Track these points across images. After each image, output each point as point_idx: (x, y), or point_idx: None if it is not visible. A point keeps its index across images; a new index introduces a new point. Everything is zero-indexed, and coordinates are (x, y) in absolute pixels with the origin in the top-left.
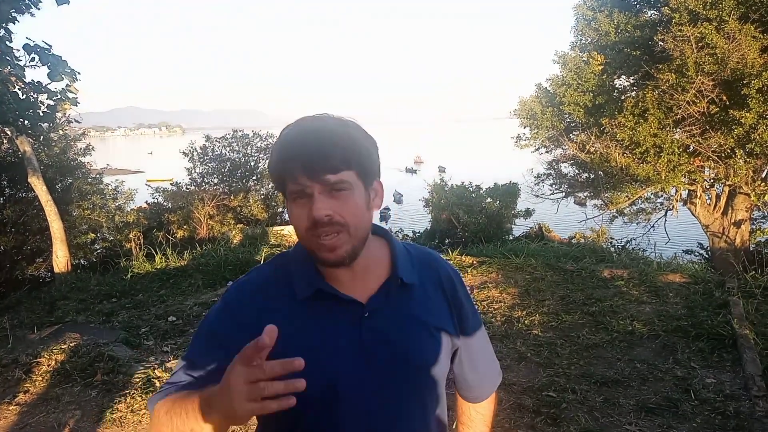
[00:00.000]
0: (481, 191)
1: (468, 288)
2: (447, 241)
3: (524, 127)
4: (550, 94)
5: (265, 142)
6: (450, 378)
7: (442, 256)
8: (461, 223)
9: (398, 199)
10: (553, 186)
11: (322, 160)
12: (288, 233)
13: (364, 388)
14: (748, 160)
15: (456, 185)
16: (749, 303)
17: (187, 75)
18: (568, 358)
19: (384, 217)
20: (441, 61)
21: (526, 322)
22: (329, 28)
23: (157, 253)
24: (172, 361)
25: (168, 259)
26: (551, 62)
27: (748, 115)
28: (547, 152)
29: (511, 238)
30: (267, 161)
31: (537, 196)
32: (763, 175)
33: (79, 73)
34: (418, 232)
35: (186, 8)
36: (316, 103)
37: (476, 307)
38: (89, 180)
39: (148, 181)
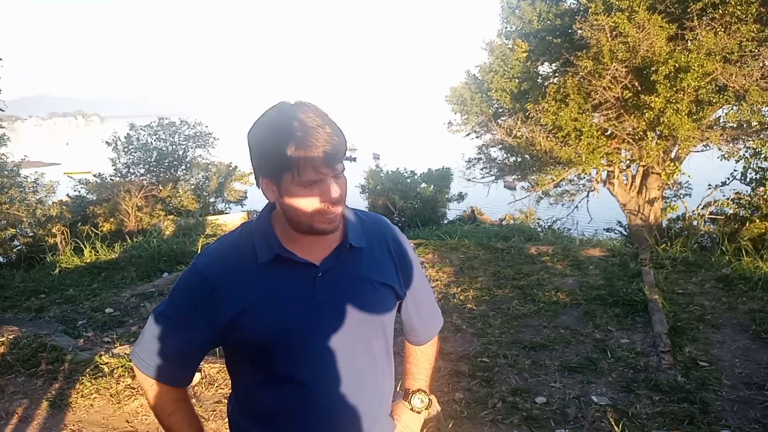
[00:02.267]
0: (416, 176)
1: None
2: None
3: (455, 113)
4: (478, 81)
5: (194, 130)
6: (399, 325)
7: None
8: (398, 209)
9: None
10: (484, 170)
11: (337, 152)
12: (223, 222)
13: (317, 336)
14: (658, 141)
15: (391, 171)
16: (660, 272)
17: (103, 61)
18: (499, 328)
19: None
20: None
21: (461, 297)
22: (256, 6)
23: (85, 247)
24: (118, 348)
25: (98, 252)
26: (479, 49)
27: (657, 99)
28: (477, 137)
29: (446, 221)
30: (255, 141)
31: (469, 180)
32: (672, 156)
33: (0, 59)
34: None
35: None
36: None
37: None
38: (5, 172)
39: (66, 173)
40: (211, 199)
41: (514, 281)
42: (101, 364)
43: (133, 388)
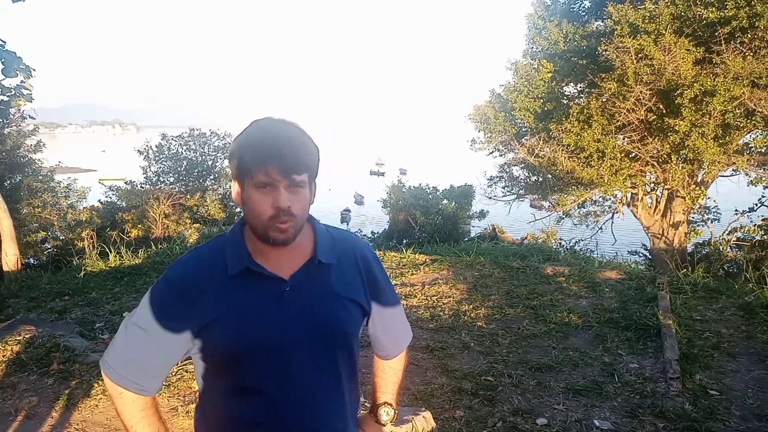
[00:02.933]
0: (438, 193)
1: (420, 284)
2: (404, 241)
3: (478, 131)
4: (502, 100)
5: (223, 141)
6: (367, 339)
7: (395, 253)
8: (418, 224)
9: (359, 200)
10: (506, 188)
11: (293, 163)
12: None
13: (283, 349)
14: (683, 165)
15: (413, 187)
16: (678, 297)
17: (143, 71)
18: (507, 347)
19: (344, 218)
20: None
21: (472, 315)
22: (293, 26)
23: (111, 252)
24: None
25: (122, 257)
26: (504, 69)
27: (681, 123)
28: (500, 156)
29: (466, 239)
30: (231, 149)
31: (490, 197)
32: (698, 180)
33: (33, 70)
34: (377, 233)
35: (143, 3)
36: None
37: (427, 301)
38: (40, 177)
39: (100, 180)
40: (237, 209)
41: (526, 301)
42: None
43: None
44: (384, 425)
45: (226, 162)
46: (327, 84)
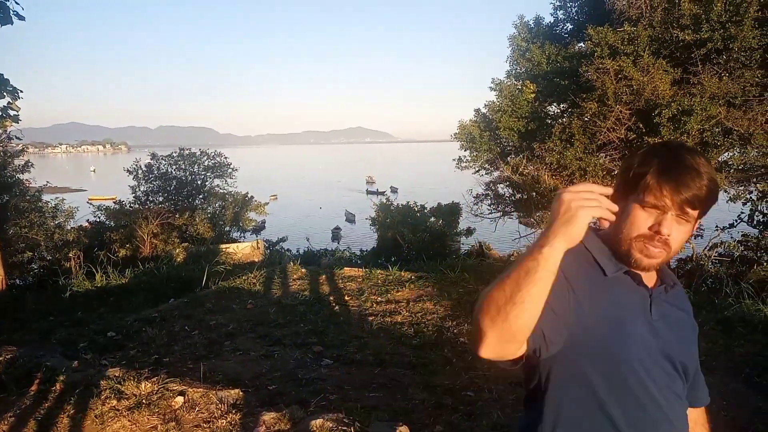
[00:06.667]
0: (426, 211)
1: (405, 301)
2: (393, 258)
3: (464, 150)
4: (487, 119)
5: (213, 161)
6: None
7: (381, 270)
8: (406, 241)
9: (350, 218)
10: (491, 206)
11: (693, 198)
12: (233, 251)
13: (652, 355)
14: None
15: (401, 205)
16: None
17: (134, 91)
18: (489, 363)
19: (335, 236)
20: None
21: (455, 330)
22: (285, 43)
23: (97, 272)
24: (110, 370)
25: (109, 277)
26: (489, 89)
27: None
28: (486, 174)
29: (454, 256)
30: (633, 160)
31: (476, 215)
32: None
33: (21, 91)
34: (365, 250)
35: (134, 24)
36: (270, 121)
37: (411, 318)
38: (27, 197)
39: (90, 199)
40: (227, 228)
41: None
42: (91, 385)
43: (118, 410)
44: None
45: (216, 181)
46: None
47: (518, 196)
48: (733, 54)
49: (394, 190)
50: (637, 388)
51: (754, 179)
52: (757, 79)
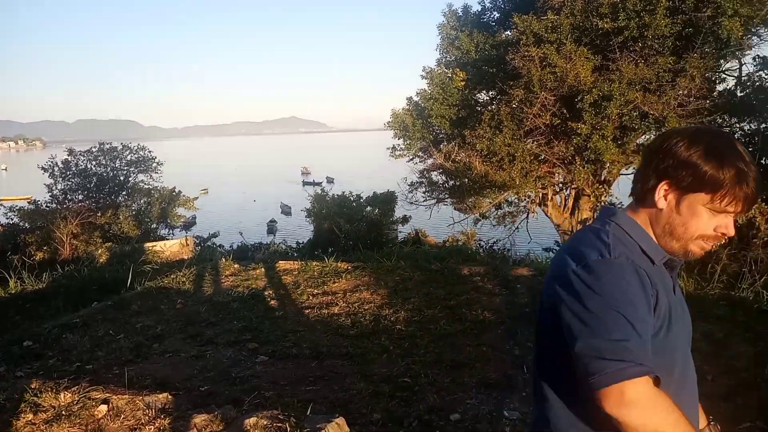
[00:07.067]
0: (362, 200)
1: (341, 292)
2: (330, 249)
3: (398, 139)
4: (419, 107)
5: (136, 155)
6: None
7: (318, 262)
8: (343, 232)
9: (286, 210)
10: (426, 193)
11: (756, 201)
12: (161, 249)
13: (682, 335)
14: (586, 165)
15: (337, 195)
16: None
17: (48, 84)
18: (425, 348)
19: (271, 229)
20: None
21: (392, 319)
22: (210, 30)
23: (11, 278)
24: (26, 381)
25: (24, 282)
26: (420, 77)
27: (583, 126)
28: (420, 162)
29: (392, 245)
30: (697, 158)
31: (411, 203)
32: (602, 179)
33: None
34: (302, 243)
35: (44, 12)
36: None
37: (348, 308)
38: None
39: (1, 200)
40: (153, 225)
41: (444, 301)
42: (3, 400)
43: (34, 424)
44: None
45: (141, 176)
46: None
47: (451, 182)
48: (648, 41)
49: (330, 181)
50: (681, 375)
51: None
52: (669, 65)
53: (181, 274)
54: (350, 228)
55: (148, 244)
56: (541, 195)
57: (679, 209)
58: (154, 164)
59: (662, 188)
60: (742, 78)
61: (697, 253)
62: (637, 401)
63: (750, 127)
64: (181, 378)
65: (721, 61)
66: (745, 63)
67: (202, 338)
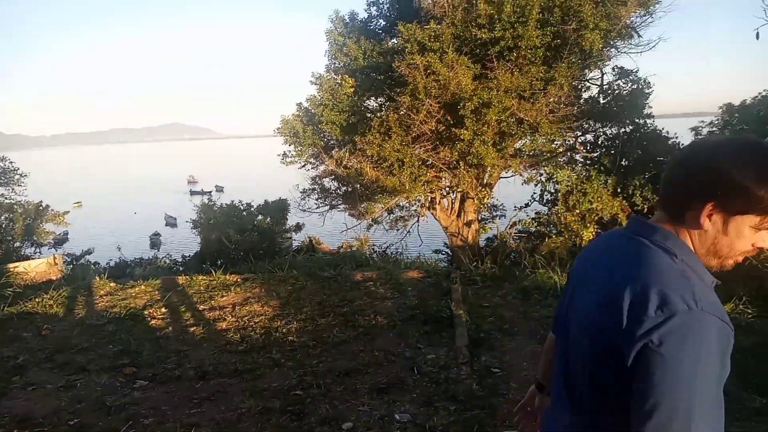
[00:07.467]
0: (252, 209)
1: (230, 306)
2: (219, 262)
3: (289, 145)
4: (310, 113)
5: None
6: None
7: (204, 276)
8: (233, 243)
9: (171, 222)
10: (319, 200)
11: None
12: (24, 270)
13: None
14: (470, 170)
15: (225, 204)
16: (470, 288)
17: None
18: (318, 357)
19: (154, 243)
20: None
21: (283, 330)
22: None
23: None
24: None
25: None
26: (309, 83)
27: (465, 132)
28: (312, 168)
29: (285, 254)
30: (738, 177)
31: (304, 210)
32: (484, 182)
33: None
34: (189, 256)
35: None
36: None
37: (237, 323)
38: None
39: None
40: (17, 244)
41: (338, 308)
42: None
43: None
44: None
45: (0, 190)
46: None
47: (344, 188)
48: (522, 51)
49: (219, 189)
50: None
51: (543, 163)
52: (541, 75)
53: (48, 296)
54: (240, 238)
55: (10, 266)
56: (430, 199)
57: (726, 231)
58: (17, 176)
59: (708, 209)
60: (604, 86)
61: (730, 266)
62: None
63: (612, 131)
64: (46, 412)
65: (586, 70)
66: (606, 73)
67: (72, 366)
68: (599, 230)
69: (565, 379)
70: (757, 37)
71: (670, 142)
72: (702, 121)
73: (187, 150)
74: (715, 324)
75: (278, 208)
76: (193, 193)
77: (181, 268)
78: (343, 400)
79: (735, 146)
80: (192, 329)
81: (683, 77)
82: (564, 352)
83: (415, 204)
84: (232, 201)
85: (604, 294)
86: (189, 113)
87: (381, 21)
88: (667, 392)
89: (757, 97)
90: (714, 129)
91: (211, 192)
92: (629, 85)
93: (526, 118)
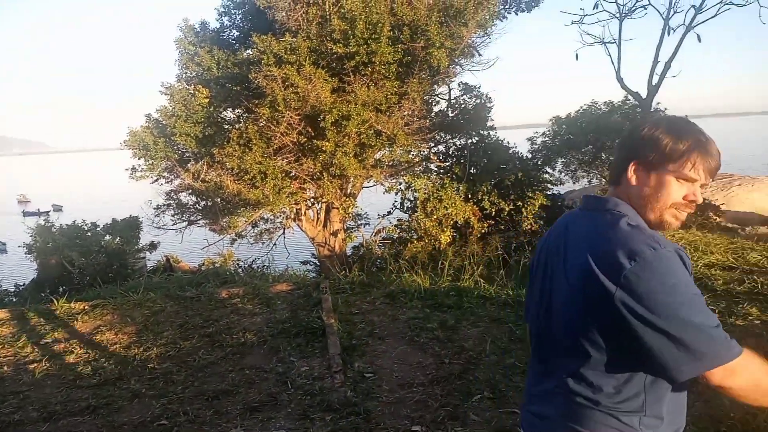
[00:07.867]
0: (98, 229)
1: (77, 337)
2: (61, 289)
3: (138, 158)
4: (161, 125)
5: None
6: None
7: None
8: (77, 267)
9: (0, 248)
10: (175, 216)
11: (718, 168)
12: None
13: None
14: (333, 180)
15: (66, 225)
16: (339, 297)
17: None
18: (182, 383)
19: None
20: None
21: (142, 358)
22: None
23: None
24: None
25: None
26: (159, 93)
27: (327, 144)
28: (166, 183)
29: (139, 275)
30: (661, 135)
31: (159, 227)
32: (348, 192)
33: None
34: (22, 285)
35: None
36: None
37: (88, 354)
38: None
39: None
40: None
41: (202, 329)
42: None
43: None
44: None
45: None
46: None
47: (203, 203)
48: (376, 67)
49: (57, 209)
50: None
51: (402, 172)
52: (395, 89)
53: None
54: (86, 261)
55: None
56: (295, 210)
57: (649, 182)
58: None
59: (632, 168)
60: (452, 101)
61: (672, 223)
62: (743, 369)
63: (460, 142)
64: None
65: (435, 86)
66: (452, 88)
67: None
68: (455, 234)
69: (543, 352)
70: (576, 58)
71: (510, 152)
72: (536, 132)
73: (15, 167)
74: (677, 254)
75: (129, 227)
76: (26, 213)
77: (14, 299)
78: (213, 425)
79: (653, 118)
80: (32, 366)
81: (521, 93)
82: (540, 332)
83: (281, 216)
84: (74, 221)
85: (580, 265)
86: (17, 125)
87: (234, 31)
88: (663, 313)
89: (579, 110)
90: (546, 139)
91: (48, 212)
92: (473, 99)
93: (384, 130)
